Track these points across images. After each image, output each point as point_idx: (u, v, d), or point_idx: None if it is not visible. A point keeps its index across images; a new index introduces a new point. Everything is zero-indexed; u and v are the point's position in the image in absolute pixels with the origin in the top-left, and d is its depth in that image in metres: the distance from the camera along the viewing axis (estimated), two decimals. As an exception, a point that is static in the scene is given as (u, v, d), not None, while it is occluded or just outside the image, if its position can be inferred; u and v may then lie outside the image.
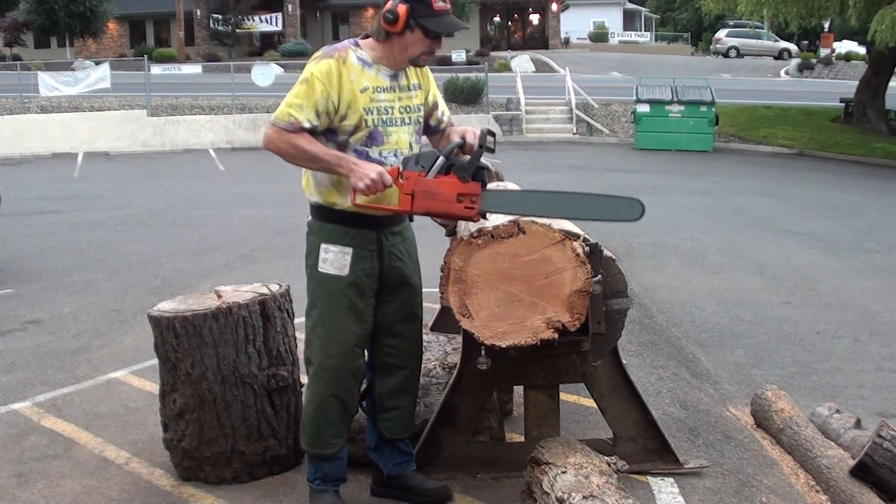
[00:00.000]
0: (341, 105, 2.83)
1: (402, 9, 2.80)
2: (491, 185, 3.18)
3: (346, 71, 2.84)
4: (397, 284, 3.02)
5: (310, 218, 3.01)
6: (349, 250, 2.91)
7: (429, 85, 3.09)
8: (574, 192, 3.04)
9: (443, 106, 3.17)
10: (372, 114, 2.87)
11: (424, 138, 3.16)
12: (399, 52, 2.89)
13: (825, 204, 12.77)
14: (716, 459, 3.64)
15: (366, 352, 3.10)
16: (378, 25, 2.88)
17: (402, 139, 2.95)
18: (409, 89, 2.99)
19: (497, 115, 21.44)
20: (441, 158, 2.82)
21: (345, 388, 2.99)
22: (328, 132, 2.87)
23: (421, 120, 3.06)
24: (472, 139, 2.89)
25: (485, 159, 2.87)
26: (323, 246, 2.93)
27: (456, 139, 2.92)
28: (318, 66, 2.83)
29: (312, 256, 2.96)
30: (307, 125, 2.80)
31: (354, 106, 2.84)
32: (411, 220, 3.11)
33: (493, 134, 2.89)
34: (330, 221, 2.94)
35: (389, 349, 3.09)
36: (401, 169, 2.83)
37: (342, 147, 2.87)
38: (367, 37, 2.96)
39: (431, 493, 3.17)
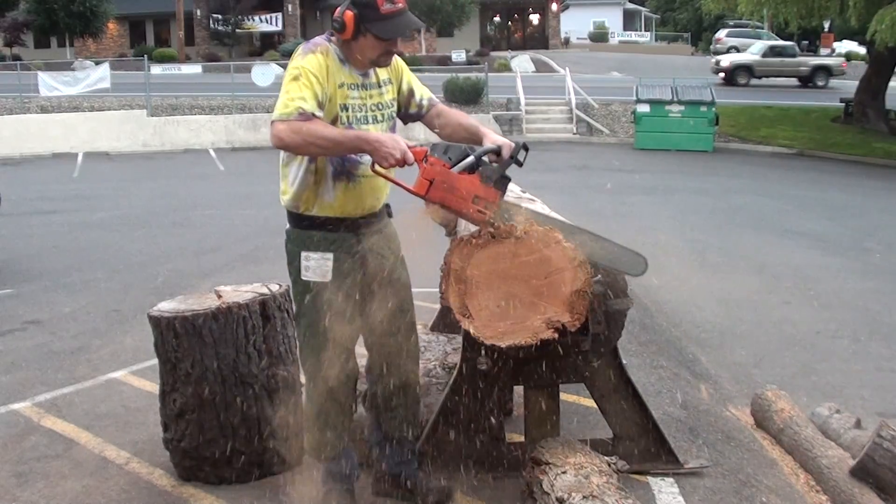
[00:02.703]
0: (327, 98, 2.80)
1: (348, 16, 2.77)
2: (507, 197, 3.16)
3: (330, 63, 2.82)
4: (384, 282, 3.01)
5: (288, 226, 2.97)
6: (330, 256, 2.88)
7: (400, 76, 3.04)
8: (586, 231, 3.05)
9: (420, 91, 3.09)
10: (346, 111, 2.85)
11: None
12: (359, 55, 2.85)
13: (825, 204, 12.76)
14: (716, 459, 3.64)
15: (366, 351, 3.10)
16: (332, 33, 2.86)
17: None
18: (380, 86, 2.96)
19: (497, 115, 21.43)
20: (471, 157, 2.80)
21: (340, 392, 2.99)
22: None
23: (394, 115, 3.04)
24: (507, 152, 2.87)
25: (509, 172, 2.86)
26: (304, 254, 2.90)
27: (490, 145, 2.90)
28: (304, 60, 2.78)
29: (294, 264, 2.94)
30: (318, 113, 2.73)
31: (333, 100, 2.82)
32: (390, 215, 3.10)
33: (527, 149, 2.88)
34: (308, 228, 2.90)
35: (386, 346, 3.08)
36: (428, 153, 2.81)
37: None
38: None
39: (433, 492, 3.17)
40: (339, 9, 2.81)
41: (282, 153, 2.90)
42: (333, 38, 2.88)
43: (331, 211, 2.88)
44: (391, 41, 2.84)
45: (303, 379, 3.57)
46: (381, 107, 2.96)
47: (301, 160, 2.86)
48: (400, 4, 2.81)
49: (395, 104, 3.04)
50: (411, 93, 3.08)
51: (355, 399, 3.12)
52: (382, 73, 2.98)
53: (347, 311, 2.93)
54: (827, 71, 29.49)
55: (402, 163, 2.71)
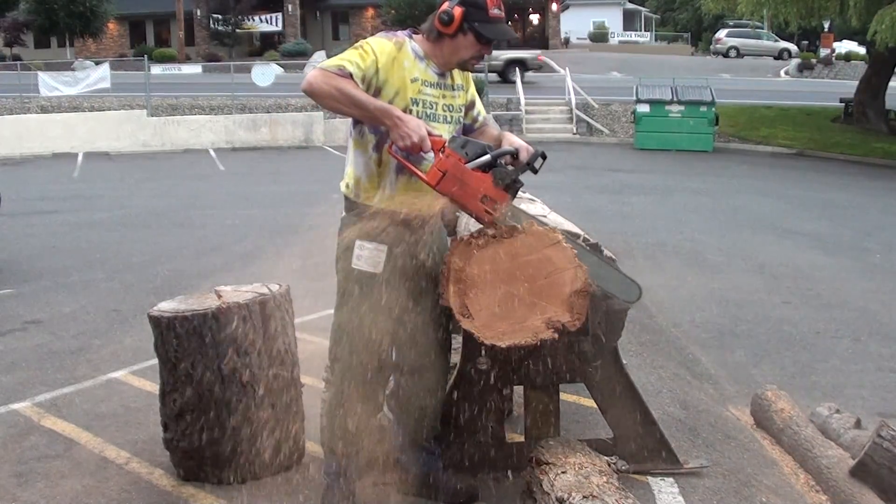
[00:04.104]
0: (387, 87, 2.81)
1: (457, 11, 2.80)
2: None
3: (401, 57, 2.84)
4: (428, 285, 3.00)
5: (344, 213, 3.00)
6: (384, 247, 2.89)
7: (469, 85, 3.10)
8: (589, 252, 3.05)
9: (479, 106, 3.16)
10: (418, 105, 2.86)
11: None
12: (449, 53, 2.89)
13: (825, 204, 12.77)
14: (716, 459, 3.65)
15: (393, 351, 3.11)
16: (431, 25, 2.87)
17: (443, 136, 2.93)
18: (454, 89, 2.99)
19: (497, 115, 21.42)
20: (487, 156, 2.80)
21: (371, 387, 2.99)
22: None
23: (461, 120, 3.06)
24: (525, 156, 2.88)
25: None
26: (358, 242, 2.91)
27: (509, 147, 2.90)
28: (374, 40, 2.84)
29: (346, 252, 2.94)
30: (358, 83, 2.74)
31: (402, 93, 2.83)
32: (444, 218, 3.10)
33: (544, 157, 2.89)
34: (366, 218, 2.92)
35: (418, 349, 3.07)
36: (446, 144, 2.81)
37: (384, 135, 2.84)
38: (417, 32, 2.95)
39: (459, 492, 3.18)
40: (447, 3, 2.84)
41: (351, 135, 2.94)
42: (416, 36, 2.92)
43: (390, 204, 2.89)
44: (487, 45, 2.87)
45: (304, 379, 3.59)
46: (451, 108, 2.98)
47: (367, 147, 2.89)
48: (503, 14, 2.88)
49: (464, 110, 3.06)
50: (472, 105, 3.12)
51: (383, 396, 3.12)
52: (458, 78, 3.01)
53: (390, 305, 2.93)
54: (522, 64, 27.84)
55: (419, 148, 2.71)
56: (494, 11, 2.84)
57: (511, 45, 27.94)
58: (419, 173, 2.80)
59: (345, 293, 2.96)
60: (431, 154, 2.79)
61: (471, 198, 2.78)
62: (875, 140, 19.92)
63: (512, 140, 2.97)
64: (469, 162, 2.77)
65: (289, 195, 12.62)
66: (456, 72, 3.00)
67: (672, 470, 3.43)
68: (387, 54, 2.81)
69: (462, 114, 3.06)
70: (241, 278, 4.18)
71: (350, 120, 2.94)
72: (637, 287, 3.10)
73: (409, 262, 2.95)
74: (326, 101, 2.72)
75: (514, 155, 2.88)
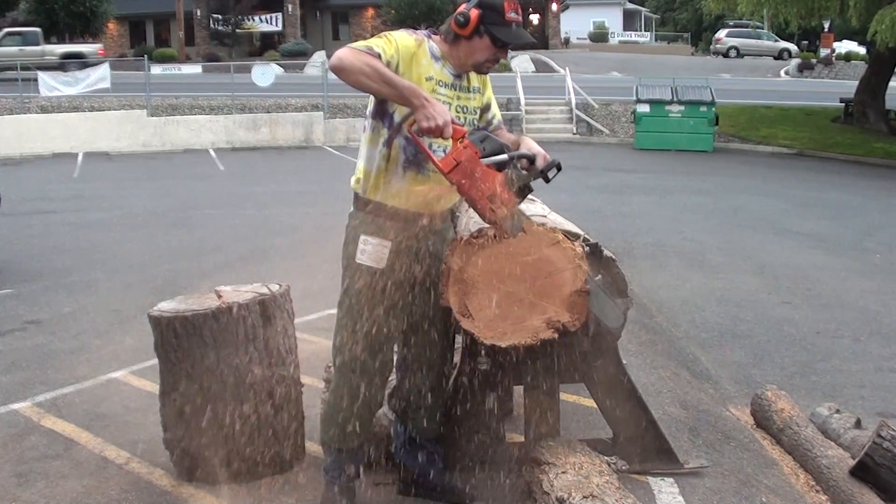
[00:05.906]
0: (396, 72, 2.81)
1: (474, 13, 2.81)
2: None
3: (419, 55, 2.85)
4: (432, 284, 3.00)
5: (353, 208, 3.01)
6: (388, 244, 2.90)
7: (486, 88, 3.10)
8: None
9: (494, 109, 3.16)
10: None
11: None
12: (465, 55, 2.89)
13: (825, 204, 12.77)
14: (716, 459, 3.65)
15: (395, 349, 3.11)
16: (448, 26, 2.88)
17: (465, 128, 2.91)
18: (469, 91, 2.99)
19: (497, 115, 21.38)
20: (504, 155, 2.79)
21: (372, 383, 2.99)
22: (383, 114, 2.87)
23: (475, 122, 3.06)
24: (541, 163, 2.87)
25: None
26: (363, 237, 2.92)
27: (526, 151, 2.90)
28: (396, 34, 2.86)
29: (351, 246, 2.96)
30: (382, 60, 2.75)
31: None
32: (453, 221, 3.09)
33: (559, 168, 2.88)
34: (371, 213, 2.93)
35: (420, 348, 3.09)
36: (466, 135, 2.80)
37: (396, 130, 2.85)
38: (436, 33, 2.96)
39: (459, 493, 3.18)
40: (464, 6, 2.85)
41: (365, 130, 2.95)
42: (434, 37, 2.93)
43: (395, 200, 2.90)
44: (502, 48, 2.87)
45: (304, 379, 3.59)
46: (466, 110, 2.98)
47: (378, 142, 2.89)
48: (520, 18, 2.88)
49: (478, 113, 3.06)
50: (488, 108, 3.12)
51: (383, 393, 3.12)
52: (474, 81, 3.01)
53: (392, 302, 2.93)
54: (80, 58, 26.37)
55: (440, 132, 2.71)
56: (511, 15, 2.84)
57: (64, 38, 26.00)
58: (433, 157, 2.80)
59: (348, 287, 2.97)
60: (449, 146, 2.78)
61: (478, 193, 2.77)
62: (875, 140, 19.91)
63: (530, 145, 2.96)
64: (485, 157, 2.77)
65: (289, 195, 12.62)
66: (472, 74, 2.99)
67: (672, 470, 3.43)
68: (407, 48, 2.82)
69: (476, 116, 3.05)
70: (241, 278, 4.19)
71: (368, 113, 2.94)
72: (623, 317, 3.12)
73: (413, 259, 2.95)
74: (357, 76, 2.70)
75: (531, 160, 2.87)
